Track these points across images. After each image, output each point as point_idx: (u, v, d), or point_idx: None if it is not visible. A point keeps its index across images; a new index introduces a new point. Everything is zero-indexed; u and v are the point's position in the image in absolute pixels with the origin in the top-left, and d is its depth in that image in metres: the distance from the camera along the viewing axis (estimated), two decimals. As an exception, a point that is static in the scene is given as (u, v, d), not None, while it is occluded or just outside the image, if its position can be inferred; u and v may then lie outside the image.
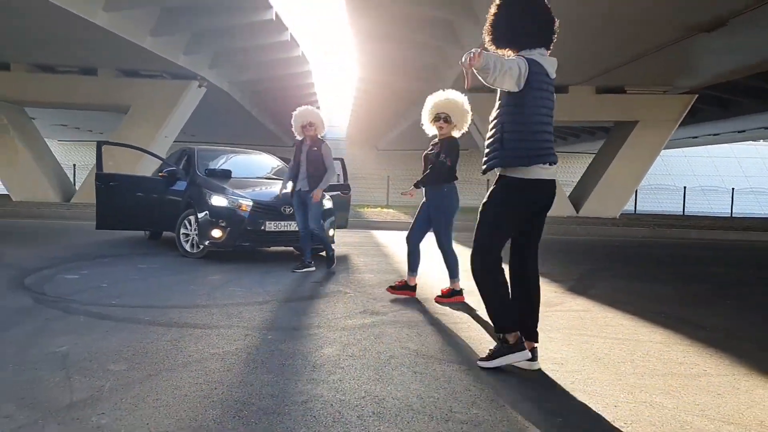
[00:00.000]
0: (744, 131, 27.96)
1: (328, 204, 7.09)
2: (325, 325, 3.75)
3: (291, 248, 7.63)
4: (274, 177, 7.65)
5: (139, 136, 17.99)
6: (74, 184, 22.24)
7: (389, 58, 16.39)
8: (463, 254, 4.17)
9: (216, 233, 6.40)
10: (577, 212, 19.66)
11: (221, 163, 7.77)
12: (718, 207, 29.61)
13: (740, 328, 4.09)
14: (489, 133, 2.90)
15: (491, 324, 3.00)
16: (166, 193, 7.34)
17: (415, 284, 4.81)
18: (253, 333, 3.45)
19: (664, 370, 2.98)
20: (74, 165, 26.40)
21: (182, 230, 6.84)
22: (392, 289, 4.78)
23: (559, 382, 2.75)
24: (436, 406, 2.40)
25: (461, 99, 4.48)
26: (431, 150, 4.65)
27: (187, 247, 6.78)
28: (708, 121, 23.65)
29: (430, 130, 4.60)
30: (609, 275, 6.53)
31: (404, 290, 4.77)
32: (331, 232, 7.11)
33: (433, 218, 4.70)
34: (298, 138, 6.05)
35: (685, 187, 28.21)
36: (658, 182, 36.49)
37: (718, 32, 11.63)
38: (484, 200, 2.94)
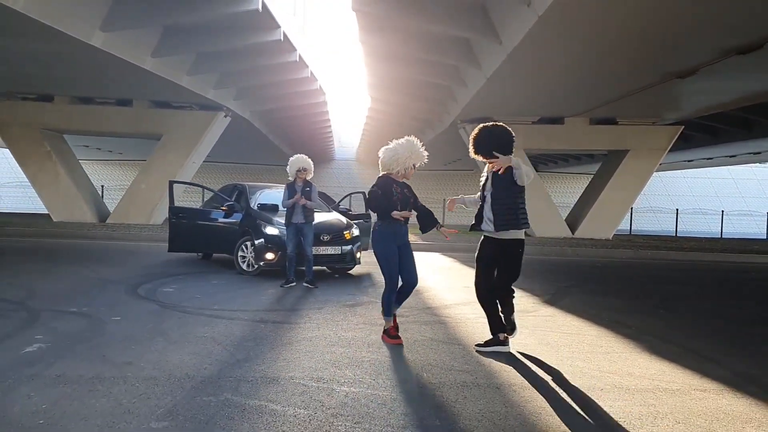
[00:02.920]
0: (735, 156, 29.70)
1: (355, 232, 8.82)
2: (368, 322, 5.44)
3: (324, 269, 9.29)
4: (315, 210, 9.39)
5: (170, 162, 19.88)
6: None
7: (401, 78, 17.05)
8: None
9: (269, 256, 8.13)
10: (573, 233, 21.30)
11: (266, 196, 9.46)
12: (715, 227, 31.12)
13: (656, 327, 5.77)
14: (496, 205, 4.53)
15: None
16: (224, 223, 9.09)
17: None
18: (321, 326, 5.13)
19: (587, 350, 4.65)
20: (102, 186, 28.27)
21: (240, 253, 8.58)
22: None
23: (519, 356, 4.43)
24: (443, 364, 4.07)
25: None
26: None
27: (244, 266, 8.52)
28: (700, 147, 25.45)
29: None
30: (579, 291, 8.21)
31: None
32: (358, 254, 8.82)
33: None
34: (290, 179, 7.65)
35: (677, 209, 29.90)
36: (657, 203, 38.18)
37: (690, 78, 13.40)
38: (478, 253, 4.62)
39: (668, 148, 21.03)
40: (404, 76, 16.56)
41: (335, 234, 8.44)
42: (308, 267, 7.59)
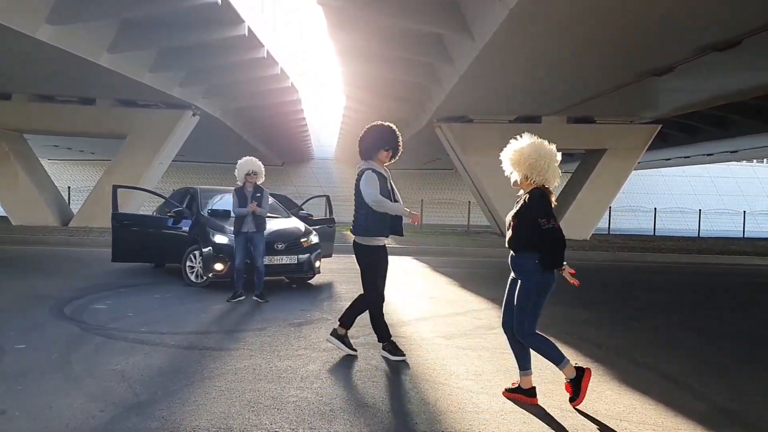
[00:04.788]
0: (712, 154, 29.70)
1: (314, 239, 8.26)
2: (310, 347, 4.88)
3: (282, 278, 8.71)
4: (268, 215, 8.77)
5: (136, 162, 19.10)
6: (70, 206, 23.14)
7: (375, 76, 16.43)
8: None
9: (218, 266, 7.53)
10: (550, 234, 20.92)
11: (220, 201, 8.85)
12: (694, 225, 31.04)
13: (628, 346, 5.30)
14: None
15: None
16: (173, 230, 8.45)
17: (533, 387, 3.75)
18: (255, 354, 4.57)
19: (549, 378, 4.14)
20: (69, 188, 27.31)
21: (188, 263, 7.96)
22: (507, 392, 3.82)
23: (471, 387, 3.92)
24: (381, 403, 3.54)
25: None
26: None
27: (192, 277, 7.89)
28: (678, 146, 25.30)
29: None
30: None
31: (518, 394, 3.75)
32: (317, 263, 8.25)
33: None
34: (239, 183, 7.07)
35: (655, 209, 29.75)
36: (635, 202, 38.12)
37: (667, 76, 13.04)
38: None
39: (646, 148, 20.78)
40: (378, 73, 16.03)
41: (291, 242, 7.87)
42: (258, 279, 7.01)
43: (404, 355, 4.57)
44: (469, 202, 27.14)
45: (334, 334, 4.72)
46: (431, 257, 13.49)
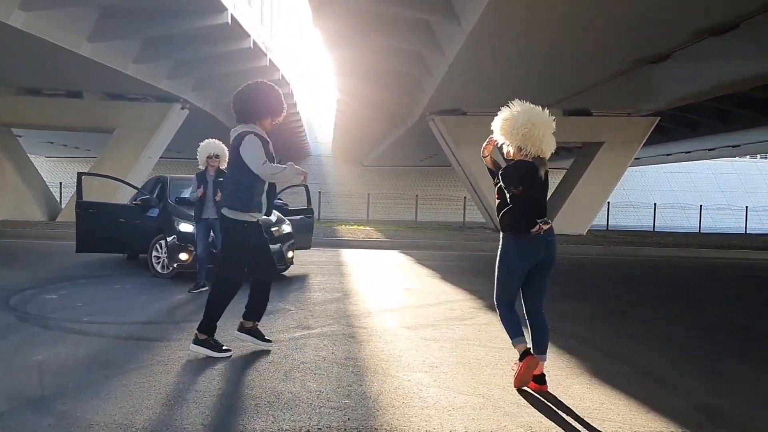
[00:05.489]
0: (714, 149, 29.14)
1: (286, 228, 7.90)
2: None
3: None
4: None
5: (124, 156, 18.76)
6: (60, 202, 22.85)
7: (363, 67, 15.93)
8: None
9: (183, 256, 7.17)
10: (546, 229, 20.53)
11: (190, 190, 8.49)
12: (695, 222, 30.53)
13: (607, 338, 4.93)
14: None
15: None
16: (140, 219, 8.09)
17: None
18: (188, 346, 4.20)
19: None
20: (60, 183, 27.01)
21: (154, 253, 7.61)
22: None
23: (422, 380, 3.55)
24: (316, 397, 3.17)
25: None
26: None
27: (159, 268, 7.54)
28: (679, 140, 24.79)
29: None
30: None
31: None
32: (290, 254, 7.89)
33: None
34: (201, 168, 6.71)
35: (655, 204, 29.25)
36: (637, 198, 37.65)
37: (664, 64, 12.62)
38: None
39: (643, 141, 20.35)
40: (367, 63, 15.55)
41: (261, 231, 7.48)
42: (202, 268, 6.65)
43: (230, 352, 3.96)
44: (465, 197, 26.74)
45: (241, 329, 4.19)
46: (418, 251, 13.06)
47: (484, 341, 4.65)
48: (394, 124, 23.98)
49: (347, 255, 11.58)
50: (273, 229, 7.65)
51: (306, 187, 9.93)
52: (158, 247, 7.58)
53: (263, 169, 3.84)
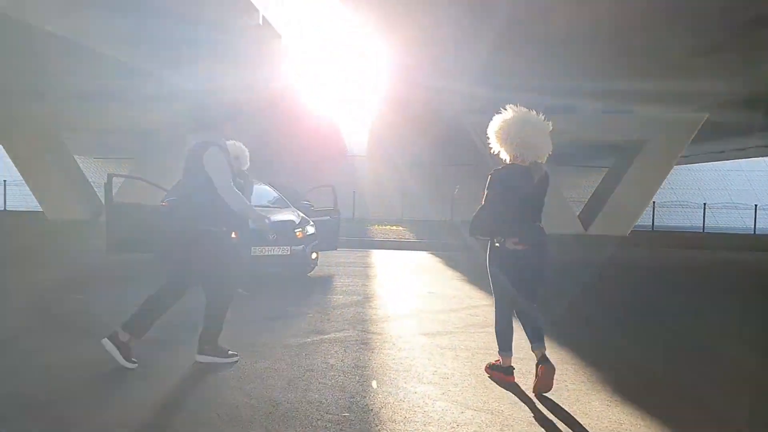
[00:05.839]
0: (770, 146, 27.72)
1: (310, 230, 7.83)
2: (273, 342, 4.44)
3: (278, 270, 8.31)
4: (269, 206, 8.39)
5: (162, 159, 19.18)
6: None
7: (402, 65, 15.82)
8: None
9: (207, 257, 7.18)
10: (586, 230, 19.93)
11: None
12: (750, 222, 28.97)
13: (630, 351, 4.64)
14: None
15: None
16: (168, 220, 8.14)
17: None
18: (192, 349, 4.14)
19: (486, 387, 3.56)
20: (104, 183, 27.81)
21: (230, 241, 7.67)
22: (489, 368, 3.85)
23: (430, 393, 3.38)
24: (315, 410, 3.05)
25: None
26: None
27: (184, 268, 7.58)
28: (732, 137, 23.63)
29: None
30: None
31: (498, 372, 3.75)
32: (314, 255, 7.82)
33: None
34: None
35: (705, 204, 28.06)
36: (686, 197, 36.19)
37: (710, 56, 11.98)
38: None
39: (690, 139, 19.49)
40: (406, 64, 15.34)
41: (284, 232, 7.44)
42: (243, 270, 6.62)
43: (134, 363, 3.67)
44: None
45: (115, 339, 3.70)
46: (449, 252, 12.73)
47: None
48: (431, 123, 23.76)
49: (376, 256, 11.46)
50: (296, 230, 7.61)
51: (333, 188, 9.92)
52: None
53: (232, 202, 3.74)
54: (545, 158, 3.58)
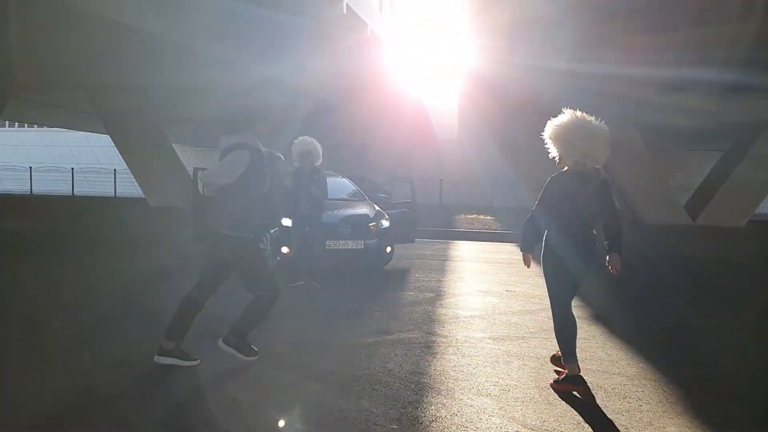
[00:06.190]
0: None
1: (385, 224, 7.77)
2: (335, 341, 4.43)
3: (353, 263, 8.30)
4: (346, 199, 8.42)
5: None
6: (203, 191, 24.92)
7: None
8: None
9: (284, 249, 7.33)
10: (694, 220, 18.43)
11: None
12: None
13: (724, 366, 4.17)
14: None
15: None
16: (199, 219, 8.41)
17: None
18: (265, 348, 4.18)
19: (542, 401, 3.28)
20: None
21: (261, 245, 7.89)
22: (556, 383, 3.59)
23: (486, 406, 3.20)
24: (366, 418, 2.97)
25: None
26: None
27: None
28: None
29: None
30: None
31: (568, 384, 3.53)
32: (388, 249, 7.76)
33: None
34: (296, 165, 6.69)
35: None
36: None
37: None
38: None
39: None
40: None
41: (358, 226, 7.44)
42: (316, 264, 6.70)
43: (195, 360, 3.70)
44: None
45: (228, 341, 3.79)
46: (538, 244, 12.21)
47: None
48: (524, 106, 22.96)
49: (457, 248, 11.23)
50: (371, 224, 7.59)
51: (411, 180, 9.80)
52: (265, 240, 7.84)
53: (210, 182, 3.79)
54: (602, 165, 3.60)
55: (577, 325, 3.70)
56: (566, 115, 3.63)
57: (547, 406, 3.28)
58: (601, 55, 13.59)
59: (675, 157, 34.00)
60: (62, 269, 7.64)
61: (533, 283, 7.45)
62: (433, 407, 3.21)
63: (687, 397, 3.49)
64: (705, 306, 6.52)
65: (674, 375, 3.87)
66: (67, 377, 3.57)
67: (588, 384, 3.63)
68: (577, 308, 5.86)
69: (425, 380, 3.64)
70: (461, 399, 3.34)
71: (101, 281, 6.87)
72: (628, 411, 3.23)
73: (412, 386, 3.53)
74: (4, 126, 39.99)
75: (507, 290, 6.89)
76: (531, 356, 4.24)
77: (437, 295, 6.43)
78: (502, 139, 34.49)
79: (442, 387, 3.53)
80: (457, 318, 5.40)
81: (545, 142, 3.68)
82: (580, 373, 3.54)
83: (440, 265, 8.86)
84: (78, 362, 3.87)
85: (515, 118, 26.45)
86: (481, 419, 3.07)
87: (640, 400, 3.41)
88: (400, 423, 2.98)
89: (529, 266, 3.85)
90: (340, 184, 8.94)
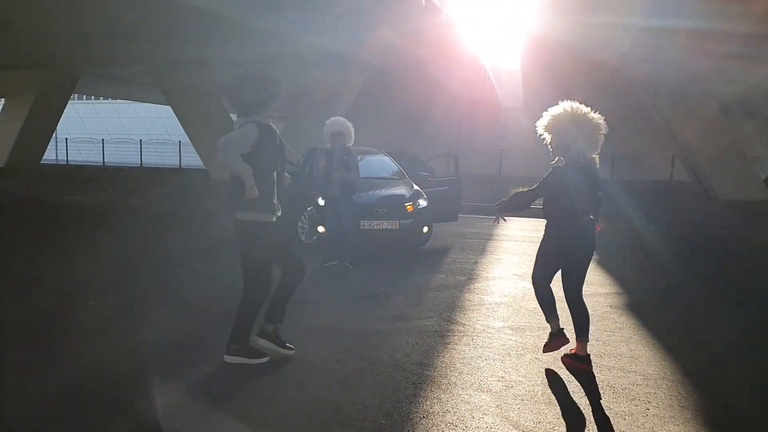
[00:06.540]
0: None
1: (422, 203, 7.72)
2: (349, 328, 4.49)
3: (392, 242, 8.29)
4: (386, 178, 8.39)
5: (306, 121, 20.18)
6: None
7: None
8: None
9: (320, 229, 7.43)
10: (773, 196, 17.21)
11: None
12: None
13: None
14: None
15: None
16: (292, 190, 8.56)
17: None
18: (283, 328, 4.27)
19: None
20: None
21: (300, 223, 8.05)
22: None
23: (477, 401, 3.17)
24: (357, 411, 3.02)
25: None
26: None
27: (303, 238, 7.98)
28: None
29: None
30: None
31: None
32: (425, 229, 7.71)
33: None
34: (327, 146, 6.68)
35: None
36: None
37: None
38: None
39: None
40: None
41: (393, 206, 7.43)
42: (347, 245, 6.76)
43: (267, 357, 3.70)
44: (673, 154, 23.41)
45: (262, 334, 3.77)
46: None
47: (594, 355, 4.00)
48: (588, 74, 21.96)
49: (505, 226, 10.91)
50: (407, 204, 7.56)
51: (455, 156, 9.65)
52: (303, 218, 7.99)
53: (222, 155, 3.46)
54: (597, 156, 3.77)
55: (606, 315, 4.39)
56: (565, 107, 3.72)
57: (547, 406, 3.21)
58: (683, 9, 12.66)
59: (756, 128, 31.65)
60: (112, 245, 8.05)
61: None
62: (428, 402, 3.21)
63: (702, 402, 3.31)
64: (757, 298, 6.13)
65: (697, 377, 3.68)
66: (81, 358, 3.79)
67: (598, 383, 3.52)
68: (612, 296, 5.70)
69: (429, 372, 3.64)
70: (459, 395, 3.32)
71: (146, 258, 7.22)
72: (632, 414, 3.11)
73: (414, 378, 3.53)
74: (82, 99, 42.33)
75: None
76: (539, 349, 4.13)
77: (468, 279, 6.36)
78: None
79: (443, 380, 3.52)
80: (482, 304, 5.33)
81: (540, 132, 3.83)
82: (562, 329, 3.88)
83: (481, 245, 8.73)
84: (98, 343, 4.09)
85: (585, 81, 25.42)
86: (473, 417, 3.04)
87: (649, 402, 3.28)
88: (390, 418, 3.01)
89: (497, 223, 4.11)
90: (381, 163, 8.93)
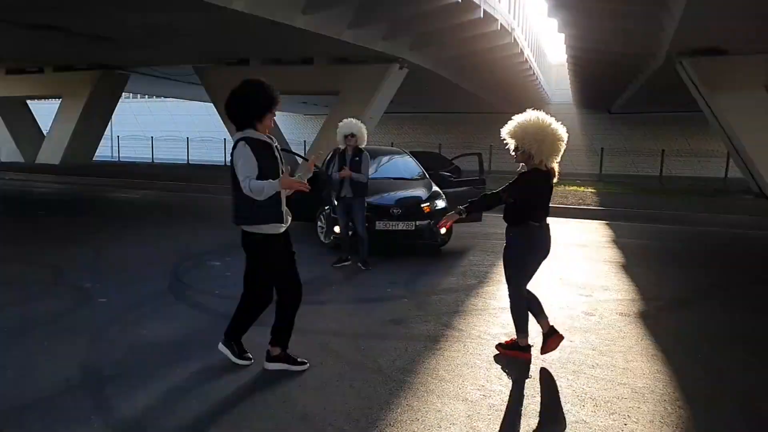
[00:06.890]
0: None
1: (440, 204, 7.66)
2: (342, 331, 4.53)
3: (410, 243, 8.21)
4: (406, 179, 8.38)
5: (347, 117, 20.31)
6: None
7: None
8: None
9: (337, 229, 7.49)
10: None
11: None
12: None
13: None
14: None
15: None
16: (313, 190, 8.65)
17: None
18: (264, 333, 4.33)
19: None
20: (304, 142, 30.57)
21: (319, 223, 8.16)
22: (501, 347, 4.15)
23: (457, 411, 3.14)
24: (322, 419, 3.04)
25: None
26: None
27: (322, 237, 8.08)
28: None
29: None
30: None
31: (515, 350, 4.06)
32: (443, 230, 7.65)
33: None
34: (340, 147, 6.75)
35: None
36: None
37: None
38: None
39: None
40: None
41: (409, 207, 7.42)
42: (362, 246, 6.80)
43: (251, 361, 3.76)
44: (728, 153, 22.33)
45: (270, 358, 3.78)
46: (629, 223, 11.19)
47: (587, 366, 3.89)
48: (637, 69, 21.21)
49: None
50: (424, 205, 7.53)
51: (479, 155, 9.53)
52: (321, 218, 8.08)
53: (249, 192, 3.44)
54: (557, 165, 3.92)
55: (611, 323, 4.63)
56: (531, 116, 3.83)
57: (520, 418, 3.15)
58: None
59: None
60: (141, 244, 8.35)
61: (593, 271, 7.08)
62: (399, 410, 3.20)
63: (684, 420, 3.17)
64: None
65: (688, 393, 3.52)
66: (78, 355, 3.98)
67: (582, 394, 3.43)
68: (625, 302, 5.52)
69: (409, 379, 3.63)
70: (433, 403, 3.29)
71: (170, 256, 7.44)
72: (607, 429, 3.01)
73: (392, 384, 3.53)
74: (137, 98, 44.01)
75: (559, 278, 6.55)
76: (537, 357, 4.05)
77: (479, 282, 6.28)
78: (617, 102, 32.18)
79: (422, 388, 3.50)
80: (486, 309, 5.26)
81: (503, 138, 3.93)
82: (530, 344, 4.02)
83: (503, 247, 8.56)
84: (99, 341, 4.27)
85: (626, 80, 24.52)
86: (440, 427, 3.01)
87: (629, 417, 3.16)
88: (356, 424, 3.02)
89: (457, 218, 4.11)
90: (403, 164, 8.92)
